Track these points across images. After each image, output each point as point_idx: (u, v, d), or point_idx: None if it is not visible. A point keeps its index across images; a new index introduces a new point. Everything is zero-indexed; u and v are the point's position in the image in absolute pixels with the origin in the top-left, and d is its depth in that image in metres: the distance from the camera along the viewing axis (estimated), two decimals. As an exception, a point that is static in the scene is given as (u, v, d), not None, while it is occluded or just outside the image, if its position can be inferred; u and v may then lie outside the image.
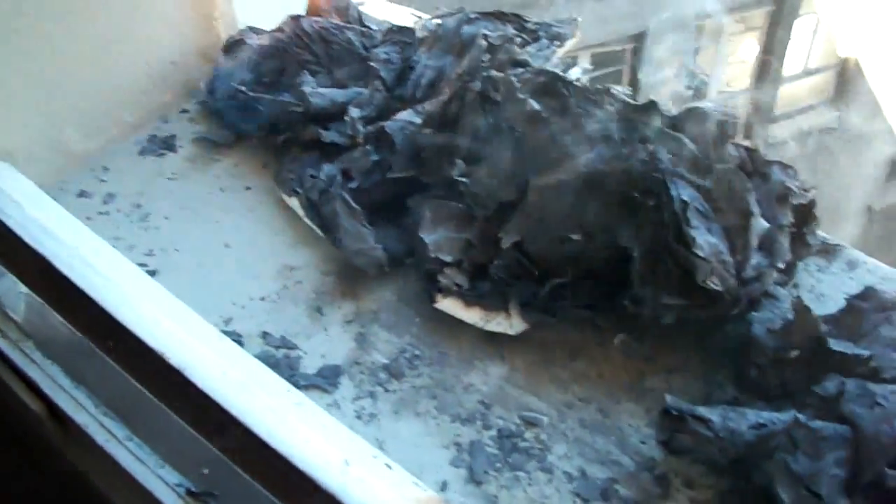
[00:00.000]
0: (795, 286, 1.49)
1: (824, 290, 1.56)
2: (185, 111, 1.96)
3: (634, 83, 8.73)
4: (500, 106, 1.50)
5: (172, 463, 1.16)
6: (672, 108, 1.48)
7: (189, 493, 1.14)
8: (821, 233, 1.62)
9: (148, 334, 1.12)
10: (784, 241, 1.42)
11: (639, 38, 8.27)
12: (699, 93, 8.78)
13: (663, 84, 8.08)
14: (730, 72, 9.21)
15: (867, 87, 8.85)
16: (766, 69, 8.84)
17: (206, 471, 1.15)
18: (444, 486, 1.32)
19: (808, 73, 9.07)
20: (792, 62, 9.00)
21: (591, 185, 1.39)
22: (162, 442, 1.17)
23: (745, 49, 9.03)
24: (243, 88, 1.81)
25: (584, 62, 7.35)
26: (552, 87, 1.45)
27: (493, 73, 1.53)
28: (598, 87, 1.57)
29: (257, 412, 1.04)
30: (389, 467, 1.06)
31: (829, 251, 1.62)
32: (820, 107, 8.85)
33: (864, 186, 8.84)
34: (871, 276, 1.58)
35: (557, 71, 1.48)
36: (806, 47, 9.02)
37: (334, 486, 0.94)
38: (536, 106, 1.43)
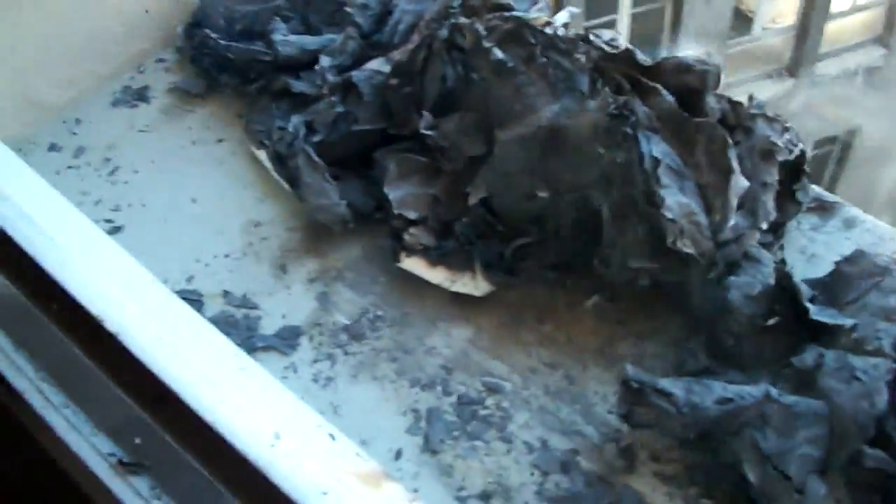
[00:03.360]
0: (783, 248, 1.39)
1: (817, 250, 1.47)
2: (161, 60, 1.89)
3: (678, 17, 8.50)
4: (467, 55, 1.41)
5: (106, 431, 1.13)
6: (650, 58, 1.38)
7: (120, 462, 1.10)
8: (816, 188, 1.52)
9: (87, 298, 1.08)
10: (768, 201, 1.32)
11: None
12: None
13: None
14: (775, 7, 8.88)
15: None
16: (813, 4, 8.49)
17: (138, 440, 1.11)
18: (398, 455, 1.27)
19: (857, 9, 8.69)
20: (840, -1, 8.64)
21: (555, 140, 1.30)
22: (97, 410, 1.14)
23: (792, -17, 8.68)
24: (214, 36, 1.74)
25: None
26: (518, 34, 1.35)
27: (460, 19, 1.44)
28: (577, 34, 1.48)
29: (192, 381, 1.00)
30: (333, 437, 1.01)
31: (825, 208, 1.51)
32: (867, 44, 8.48)
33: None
34: (870, 235, 1.48)
35: (525, 17, 1.37)
36: (856, -18, 8.65)
37: (261, 460, 0.90)
38: (501, 55, 1.33)
